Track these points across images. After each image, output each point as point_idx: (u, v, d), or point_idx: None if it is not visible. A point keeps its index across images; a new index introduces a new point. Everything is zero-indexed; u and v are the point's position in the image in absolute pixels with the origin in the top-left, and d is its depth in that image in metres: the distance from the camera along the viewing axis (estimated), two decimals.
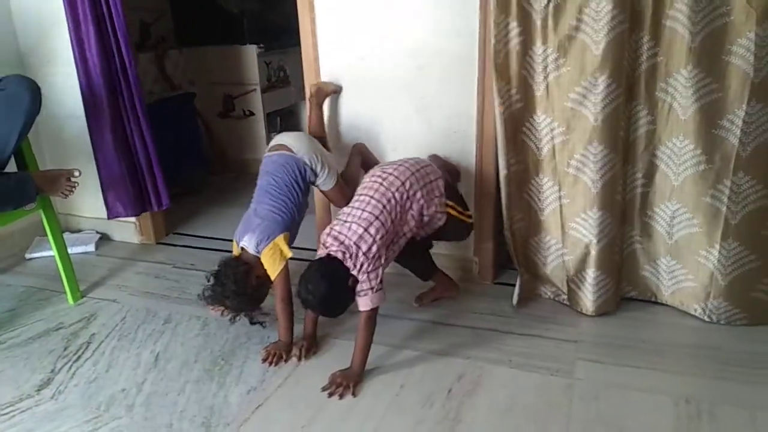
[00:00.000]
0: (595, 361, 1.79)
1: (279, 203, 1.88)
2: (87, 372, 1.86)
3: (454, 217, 1.89)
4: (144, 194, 2.72)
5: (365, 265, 1.65)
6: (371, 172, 1.86)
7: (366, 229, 1.66)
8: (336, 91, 2.25)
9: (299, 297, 1.67)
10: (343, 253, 1.64)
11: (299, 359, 1.84)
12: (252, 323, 1.91)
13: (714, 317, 1.94)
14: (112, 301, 2.31)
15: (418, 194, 1.79)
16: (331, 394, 1.68)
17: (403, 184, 1.77)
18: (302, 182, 1.94)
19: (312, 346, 1.89)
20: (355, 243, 1.65)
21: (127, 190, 2.65)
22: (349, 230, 1.68)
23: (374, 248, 1.66)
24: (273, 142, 2.04)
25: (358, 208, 1.73)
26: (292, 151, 1.96)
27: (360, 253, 1.64)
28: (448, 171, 2.11)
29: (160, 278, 2.49)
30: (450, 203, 1.87)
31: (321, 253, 1.71)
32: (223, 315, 1.89)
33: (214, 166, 3.88)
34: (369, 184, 1.79)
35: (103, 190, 2.66)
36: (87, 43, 2.45)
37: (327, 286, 1.62)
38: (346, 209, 1.77)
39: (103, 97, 2.50)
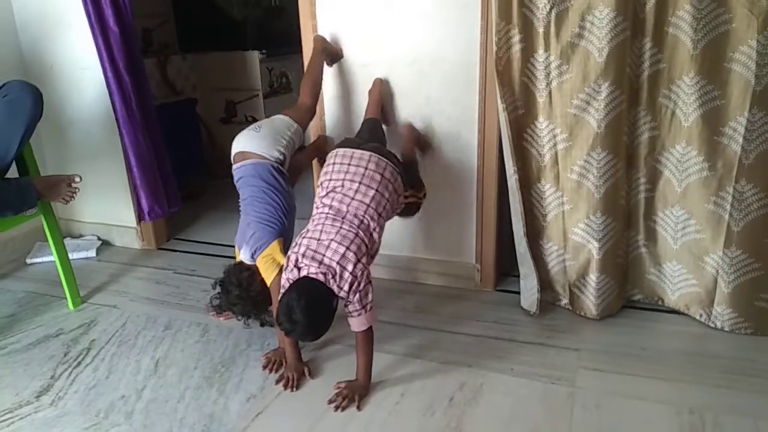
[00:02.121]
0: (597, 369, 1.78)
1: (266, 213, 1.83)
2: (87, 378, 1.86)
3: (410, 201, 1.87)
4: (168, 194, 2.78)
5: (354, 285, 1.54)
6: (330, 186, 1.70)
7: (348, 248, 1.55)
8: (335, 57, 2.20)
9: (279, 325, 1.52)
10: (325, 274, 1.52)
11: (287, 388, 1.75)
12: (262, 325, 1.91)
13: (718, 323, 1.94)
14: (112, 306, 2.30)
15: (388, 207, 1.71)
16: (337, 407, 1.65)
17: (368, 206, 1.65)
18: (279, 185, 1.87)
19: (301, 373, 1.79)
20: (338, 263, 1.53)
21: (158, 191, 2.72)
22: (327, 249, 1.56)
23: (359, 266, 1.56)
24: (236, 149, 1.94)
25: (332, 225, 1.61)
26: (259, 157, 1.89)
27: (346, 274, 1.53)
28: (420, 144, 2.09)
29: (161, 284, 2.49)
30: (407, 194, 1.83)
31: (292, 274, 1.56)
32: (242, 322, 1.90)
33: (216, 171, 3.88)
34: (335, 204, 1.65)
35: (137, 194, 2.70)
36: (116, 48, 2.47)
37: (314, 315, 1.49)
38: (316, 227, 1.63)
39: (133, 100, 2.55)
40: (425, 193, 1.98)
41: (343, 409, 1.65)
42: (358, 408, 1.65)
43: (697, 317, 1.99)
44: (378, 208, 1.67)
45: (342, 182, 1.70)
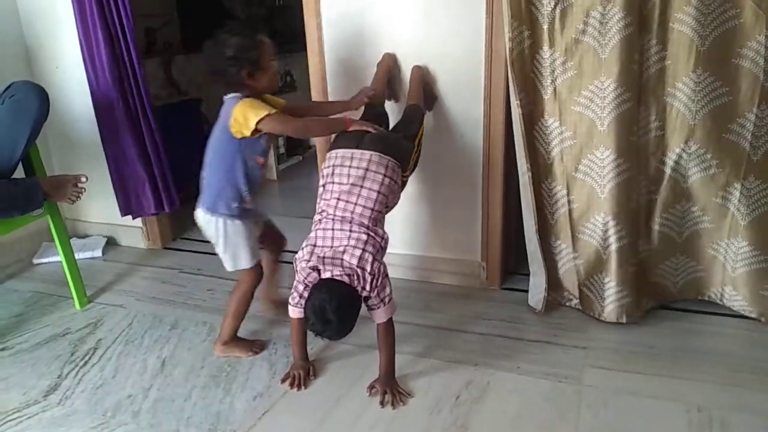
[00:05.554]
0: (605, 367, 1.78)
1: None
2: (94, 378, 1.86)
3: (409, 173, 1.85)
4: (158, 196, 2.72)
5: (373, 282, 1.59)
6: (332, 189, 1.68)
7: (363, 249, 1.59)
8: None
9: (310, 326, 1.56)
10: (350, 276, 1.56)
11: (293, 387, 1.75)
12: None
13: (726, 302, 1.97)
14: (118, 306, 2.31)
15: (390, 201, 1.72)
16: (393, 404, 1.66)
17: (373, 209, 1.66)
18: None
19: (307, 372, 1.79)
20: (358, 266, 1.57)
21: (137, 193, 2.67)
22: (344, 254, 1.59)
23: (376, 264, 1.60)
24: None
25: (341, 230, 1.63)
26: None
27: (366, 275, 1.58)
28: (426, 96, 2.08)
29: (167, 283, 2.50)
30: (405, 176, 1.80)
31: (311, 278, 1.59)
32: None
33: None
34: (339, 213, 1.65)
35: (115, 191, 2.68)
36: (96, 48, 2.46)
37: (346, 314, 1.53)
38: (325, 233, 1.64)
39: (114, 101, 2.52)
40: (422, 133, 1.93)
41: (393, 404, 1.65)
42: (402, 401, 1.67)
43: (706, 298, 2.03)
44: (381, 208, 1.69)
45: (348, 186, 1.67)
